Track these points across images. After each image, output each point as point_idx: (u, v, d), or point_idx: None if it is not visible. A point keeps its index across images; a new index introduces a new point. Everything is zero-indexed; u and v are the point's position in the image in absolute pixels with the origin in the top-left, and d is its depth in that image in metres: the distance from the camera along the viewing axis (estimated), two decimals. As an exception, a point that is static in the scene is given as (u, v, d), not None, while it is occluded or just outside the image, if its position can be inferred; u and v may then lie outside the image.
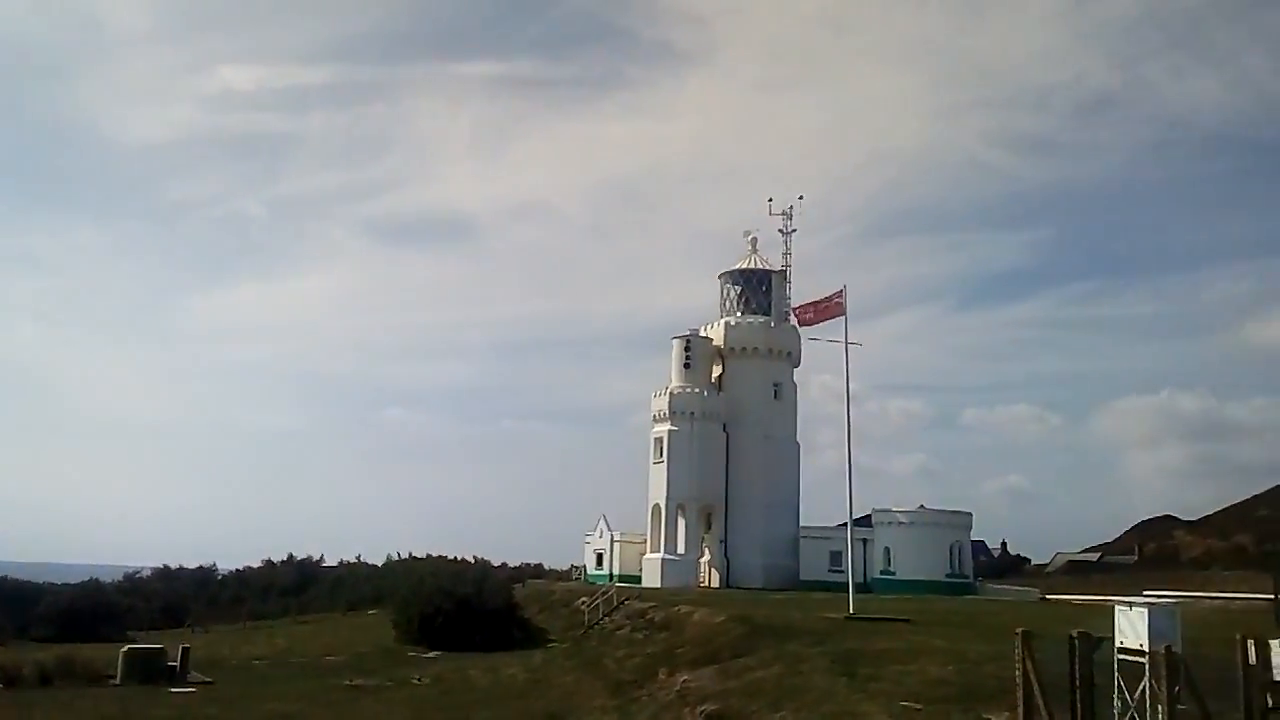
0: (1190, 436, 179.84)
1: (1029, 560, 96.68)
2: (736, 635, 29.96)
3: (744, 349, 64.27)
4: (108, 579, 68.52)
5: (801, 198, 68.01)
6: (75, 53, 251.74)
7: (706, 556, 62.23)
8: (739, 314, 65.53)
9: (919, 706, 18.04)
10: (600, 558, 69.02)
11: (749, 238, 67.50)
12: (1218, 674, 14.49)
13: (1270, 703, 13.51)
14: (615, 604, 43.35)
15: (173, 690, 31.17)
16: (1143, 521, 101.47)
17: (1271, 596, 32.93)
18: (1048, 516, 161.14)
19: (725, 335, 64.54)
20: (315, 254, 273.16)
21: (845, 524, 39.84)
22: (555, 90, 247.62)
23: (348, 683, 33.41)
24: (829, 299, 37.96)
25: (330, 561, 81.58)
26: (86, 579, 64.93)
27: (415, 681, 33.70)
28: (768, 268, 66.54)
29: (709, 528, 62.80)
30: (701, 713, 22.34)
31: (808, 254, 79.66)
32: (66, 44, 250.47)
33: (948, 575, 58.28)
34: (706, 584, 60.30)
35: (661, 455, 62.22)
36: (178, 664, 34.05)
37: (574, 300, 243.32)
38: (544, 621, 47.62)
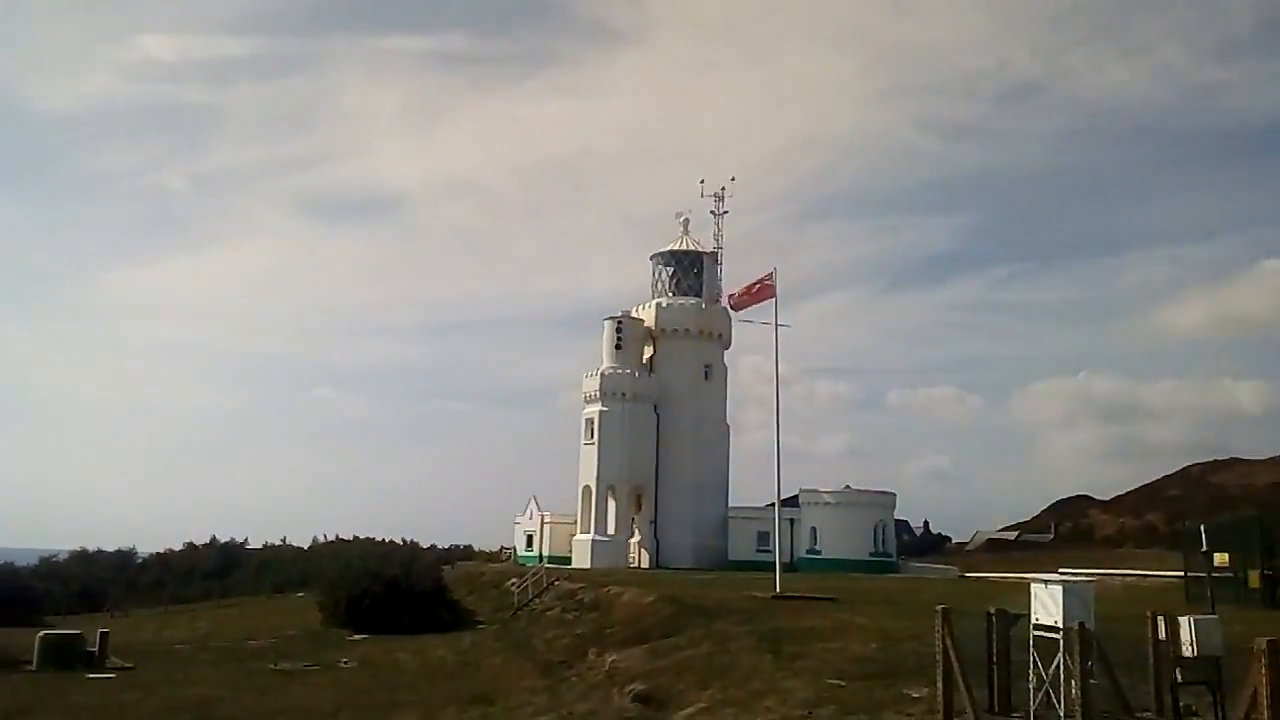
0: (1105, 418, 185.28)
1: (950, 539, 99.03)
2: (665, 615, 30.17)
3: (675, 330, 64.53)
4: (22, 563, 66.61)
5: (733, 179, 68.71)
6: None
7: (636, 537, 62.54)
8: (670, 295, 65.76)
9: (843, 683, 18.38)
10: (530, 539, 69.00)
11: (681, 219, 67.86)
12: (1129, 649, 14.98)
13: (1179, 677, 13.99)
14: (545, 585, 43.36)
15: (91, 676, 30.45)
16: (1059, 501, 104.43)
17: (1181, 574, 34.04)
18: (968, 496, 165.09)
19: (656, 316, 64.71)
20: (240, 229, 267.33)
21: (773, 504, 40.29)
22: (486, 66, 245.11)
23: (272, 666, 32.96)
24: (759, 282, 38.19)
25: (255, 544, 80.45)
26: (1, 563, 63.04)
27: (342, 664, 33.37)
28: (699, 249, 66.85)
29: (639, 508, 63.08)
30: (630, 692, 22.49)
31: (739, 236, 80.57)
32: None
33: (872, 554, 59.40)
34: (636, 564, 60.63)
35: (592, 436, 62.29)
36: (96, 649, 33.25)
37: (505, 280, 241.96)
38: (473, 603, 47.45)
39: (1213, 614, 15.71)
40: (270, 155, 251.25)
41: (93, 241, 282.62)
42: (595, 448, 61.85)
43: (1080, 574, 33.99)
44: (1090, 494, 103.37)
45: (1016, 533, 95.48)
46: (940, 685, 14.62)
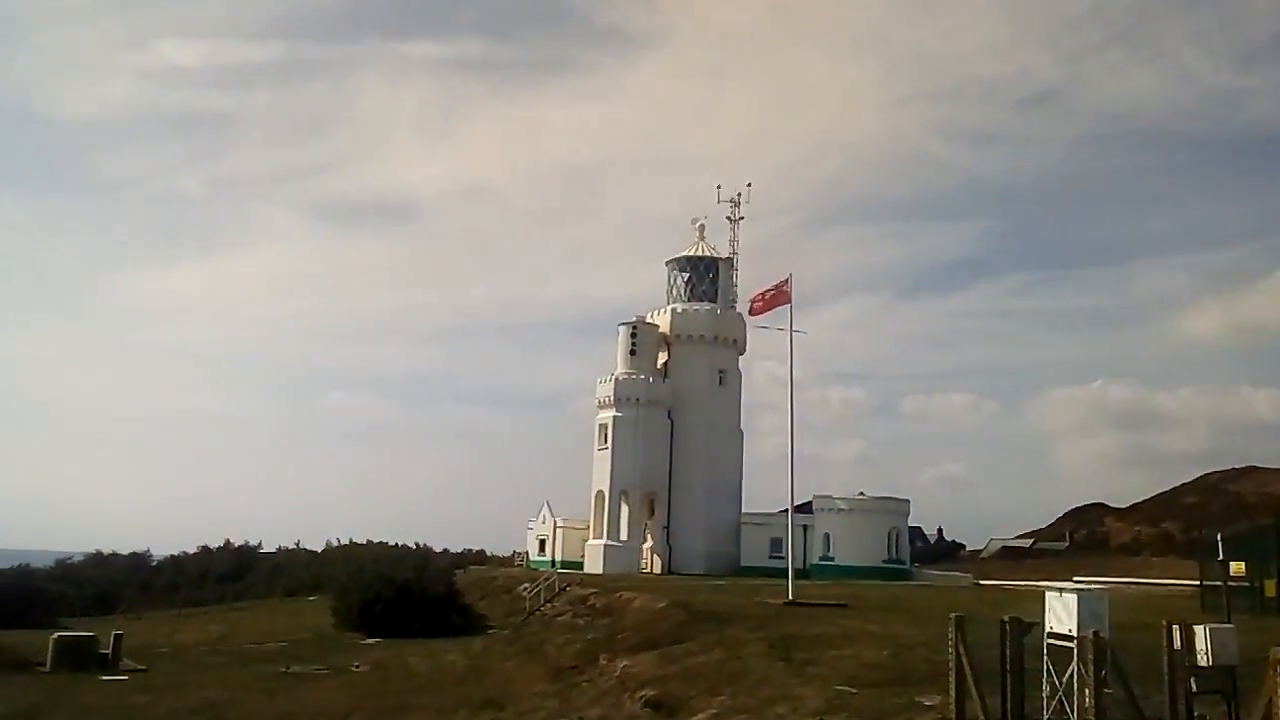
0: (1121, 426, 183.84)
1: (964, 546, 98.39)
2: (677, 621, 30.11)
3: (690, 336, 64.50)
4: (39, 565, 66.92)
5: (749, 185, 68.49)
6: (9, 24, 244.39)
7: (649, 542, 62.47)
8: (685, 301, 65.73)
9: (854, 690, 18.28)
10: (543, 544, 69.00)
11: (696, 225, 67.89)
12: (1144, 658, 14.83)
13: (1194, 686, 13.85)
14: (557, 590, 43.32)
15: (104, 678, 30.56)
16: (1074, 508, 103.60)
17: (1197, 582, 33.80)
18: (983, 503, 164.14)
19: (671, 322, 64.71)
20: (256, 234, 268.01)
21: (786, 510, 40.20)
22: (503, 72, 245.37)
23: (284, 669, 33.01)
24: (775, 287, 38.26)
25: (269, 548, 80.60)
26: (17, 565, 63.35)
27: (354, 668, 33.41)
28: (715, 255, 66.83)
29: (652, 514, 63.02)
30: (641, 697, 22.43)
31: (754, 241, 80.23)
32: (1, 15, 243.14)
33: (885, 561, 59.17)
34: (649, 570, 60.54)
35: (606, 441, 62.28)
36: (110, 651, 33.39)
37: (519, 285, 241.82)
38: (485, 608, 47.43)
39: (1228, 623, 15.58)
40: (287, 160, 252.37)
41: (110, 245, 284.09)
42: (609, 453, 61.84)
43: (1095, 582, 33.82)
44: (1106, 502, 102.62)
45: (1031, 540, 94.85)
46: (953, 693, 14.52)
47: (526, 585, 46.01)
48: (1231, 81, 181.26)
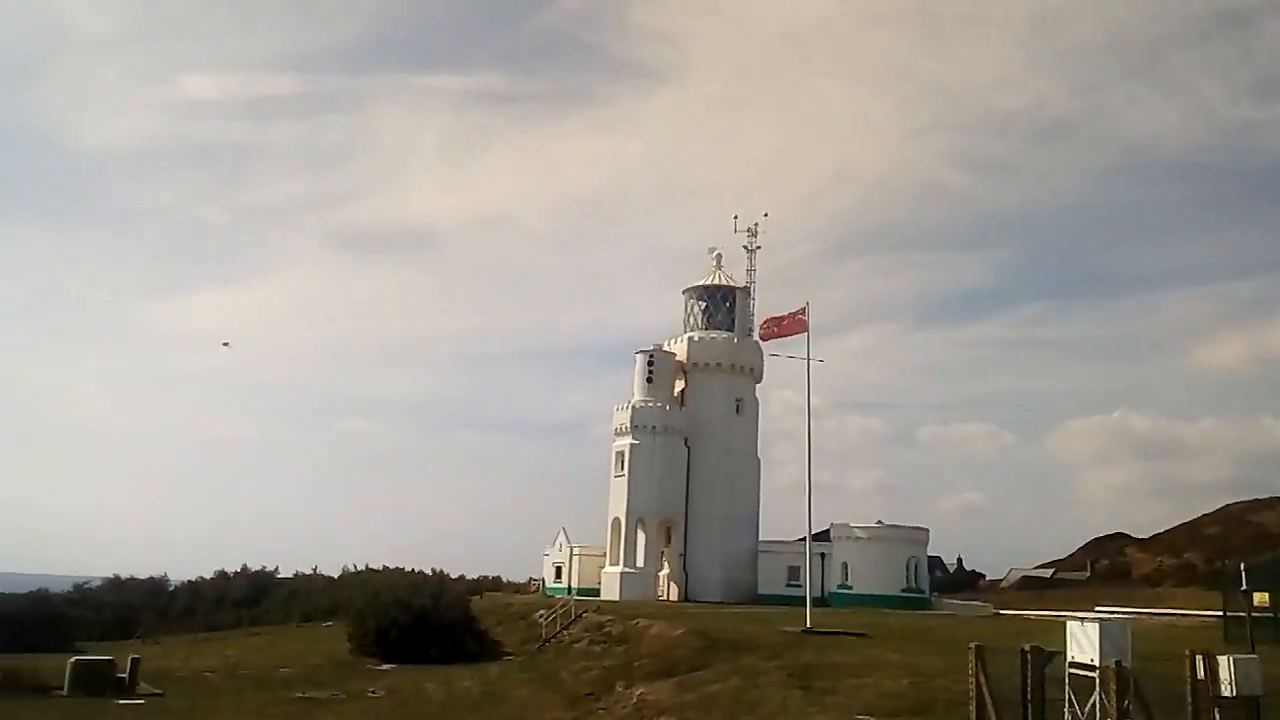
0: (1142, 456, 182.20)
1: (984, 576, 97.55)
2: (694, 648, 29.96)
3: (707, 364, 64.51)
4: (56, 589, 67.11)
5: (766, 215, 68.69)
6: (35, 57, 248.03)
7: (665, 570, 62.24)
8: (702, 329, 65.81)
9: (873, 719, 18.13)
10: (559, 570, 68.81)
11: (713, 254, 68.09)
12: (1167, 689, 14.69)
13: (1218, 717, 13.70)
14: (573, 617, 43.16)
15: (121, 702, 30.57)
16: (1095, 539, 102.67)
17: (1220, 613, 33.42)
18: (1003, 533, 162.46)
19: (688, 350, 64.76)
20: (277, 263, 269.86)
21: (804, 538, 40.00)
22: (522, 105, 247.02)
23: (300, 695, 32.95)
24: (792, 315, 38.26)
25: (285, 573, 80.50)
26: (34, 589, 63.56)
27: (369, 694, 33.32)
28: (731, 284, 66.96)
29: (668, 541, 62.82)
30: (658, 726, 22.32)
31: (771, 271, 79.97)
32: (27, 48, 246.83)
33: (904, 590, 58.71)
34: (665, 597, 60.29)
35: (622, 469, 62.21)
36: (127, 675, 33.37)
37: (536, 313, 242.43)
38: (501, 634, 47.28)
39: (1252, 654, 15.41)
40: (307, 190, 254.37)
41: (130, 274, 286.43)
42: (625, 480, 61.75)
43: (1118, 612, 33.49)
44: (1128, 532, 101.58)
45: (1052, 570, 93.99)
46: (973, 722, 14.41)
47: (543, 612, 45.85)
48: (1249, 113, 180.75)
